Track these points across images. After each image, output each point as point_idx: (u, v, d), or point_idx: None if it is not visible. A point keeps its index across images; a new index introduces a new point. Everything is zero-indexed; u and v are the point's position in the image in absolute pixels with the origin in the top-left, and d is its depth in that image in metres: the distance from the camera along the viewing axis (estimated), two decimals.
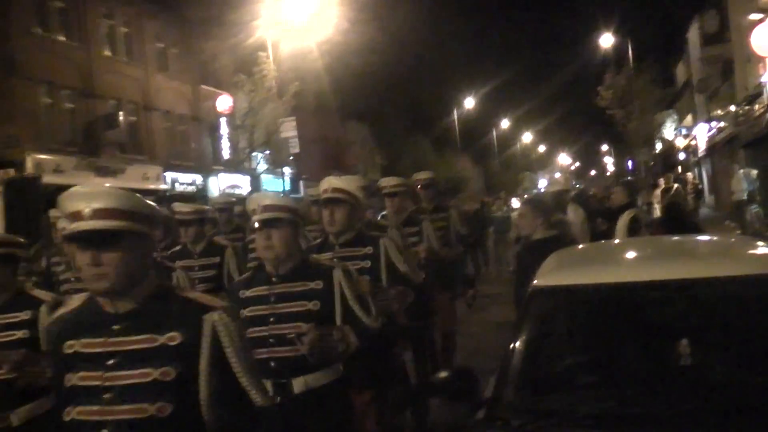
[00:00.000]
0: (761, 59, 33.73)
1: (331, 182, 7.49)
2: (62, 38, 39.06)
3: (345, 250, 7.36)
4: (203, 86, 50.27)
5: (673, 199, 14.85)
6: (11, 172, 34.43)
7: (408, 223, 10.96)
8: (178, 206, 10.81)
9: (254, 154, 47.35)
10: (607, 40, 68.06)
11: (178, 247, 10.60)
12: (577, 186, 66.74)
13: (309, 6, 44.86)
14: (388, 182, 11.31)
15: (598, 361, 5.51)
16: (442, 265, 11.58)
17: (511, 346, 5.34)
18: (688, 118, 68.51)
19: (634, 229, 12.96)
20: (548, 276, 5.82)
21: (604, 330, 5.68)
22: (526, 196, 34.92)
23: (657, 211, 25.41)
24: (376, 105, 77.46)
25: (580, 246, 8.66)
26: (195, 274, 9.91)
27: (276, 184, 52.92)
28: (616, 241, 11.66)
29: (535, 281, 5.73)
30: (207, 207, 12.62)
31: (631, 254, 7.02)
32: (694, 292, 5.37)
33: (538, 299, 5.56)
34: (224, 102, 47.76)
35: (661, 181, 36.32)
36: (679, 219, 11.50)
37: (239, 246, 11.11)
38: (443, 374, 5.36)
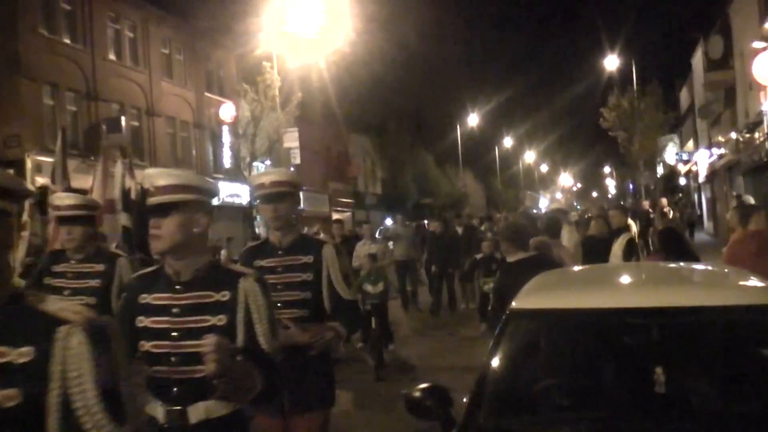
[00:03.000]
0: (762, 87, 33.75)
1: (271, 175, 7.05)
2: (68, 40, 39.21)
3: (289, 258, 6.83)
4: (207, 94, 50.39)
5: (669, 224, 14.82)
6: (11, 172, 34.38)
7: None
8: (58, 198, 8.79)
9: (255, 163, 47.33)
10: (612, 62, 68.08)
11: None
12: (578, 207, 66.67)
13: (317, 19, 44.92)
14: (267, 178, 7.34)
15: (572, 386, 5.54)
16: None
17: (486, 366, 5.37)
18: (690, 143, 68.63)
19: (630, 253, 13.02)
20: (526, 299, 5.84)
21: (579, 355, 5.72)
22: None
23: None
24: (380, 118, 77.55)
25: (565, 269, 8.66)
26: (69, 283, 8.26)
27: None
28: (604, 265, 11.70)
29: (513, 304, 5.75)
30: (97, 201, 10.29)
31: (612, 279, 6.96)
32: (672, 320, 5.36)
33: (515, 321, 5.58)
34: (227, 110, 47.86)
35: (646, 204, 36.41)
36: (676, 245, 11.51)
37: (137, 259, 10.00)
38: (416, 390, 5.34)
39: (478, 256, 20.44)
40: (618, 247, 13.21)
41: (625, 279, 6.95)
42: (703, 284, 6.46)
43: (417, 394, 5.28)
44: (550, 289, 6.26)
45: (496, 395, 5.25)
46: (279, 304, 5.93)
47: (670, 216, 26.57)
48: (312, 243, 7.05)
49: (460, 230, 27.92)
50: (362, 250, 20.30)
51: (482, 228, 30.20)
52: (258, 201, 7.08)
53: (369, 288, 16.95)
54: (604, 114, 63.93)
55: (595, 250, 13.95)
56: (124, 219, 14.53)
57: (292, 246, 6.88)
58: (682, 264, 8.71)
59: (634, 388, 5.30)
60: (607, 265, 11.61)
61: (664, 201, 34.37)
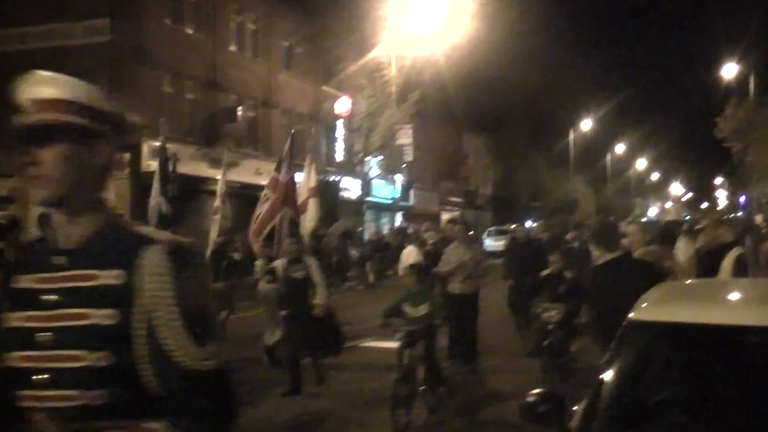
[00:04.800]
0: None
1: (41, 87, 3.31)
2: (191, 30, 39.85)
3: (74, 274, 3.09)
4: (325, 87, 50.71)
5: None
6: (126, 156, 35.21)
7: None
8: None
9: (368, 158, 47.51)
10: (730, 70, 66.75)
11: None
12: (687, 217, 65.56)
13: (437, 16, 45.04)
14: None
15: (691, 401, 5.47)
16: None
17: (603, 377, 5.32)
18: None
19: (740, 269, 12.74)
20: (647, 310, 5.76)
21: (700, 371, 5.62)
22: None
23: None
24: (495, 119, 77.27)
25: (685, 282, 8.51)
26: None
27: (387, 190, 53.14)
28: (722, 280, 11.49)
29: (632, 314, 5.67)
30: None
31: (736, 295, 6.84)
32: None
33: (635, 333, 5.50)
34: (343, 104, 48.08)
35: (758, 218, 35.60)
36: None
37: None
38: (530, 395, 5.30)
39: (544, 273, 15.82)
40: (728, 263, 12.92)
41: (750, 295, 6.81)
42: None
43: (531, 399, 5.23)
44: (671, 302, 6.15)
45: (612, 407, 5.19)
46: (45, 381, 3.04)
47: None
48: (129, 240, 3.10)
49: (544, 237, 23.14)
50: (452, 255, 16.33)
51: (567, 237, 25.62)
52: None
53: (408, 310, 12.81)
54: (719, 124, 62.83)
55: (708, 264, 13.73)
56: None
57: (87, 248, 3.11)
58: None
59: (754, 408, 5.22)
60: (729, 280, 11.31)
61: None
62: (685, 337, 5.54)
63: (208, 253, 17.20)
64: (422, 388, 12.30)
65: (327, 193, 34.66)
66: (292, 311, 14.70)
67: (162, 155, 19.54)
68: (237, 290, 18.78)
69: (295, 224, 17.48)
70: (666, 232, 14.54)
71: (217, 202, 18.36)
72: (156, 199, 17.72)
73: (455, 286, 16.27)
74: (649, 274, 8.17)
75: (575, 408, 5.33)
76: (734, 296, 6.81)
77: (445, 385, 13.25)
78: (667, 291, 6.73)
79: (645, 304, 5.90)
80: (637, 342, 5.53)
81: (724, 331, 5.32)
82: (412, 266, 14.19)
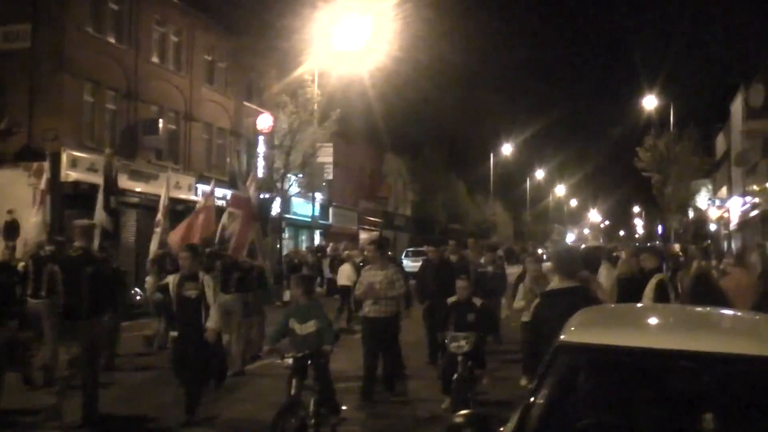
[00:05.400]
0: None
1: None
2: (113, 40, 39.39)
3: None
4: (246, 103, 50.50)
5: (703, 270, 14.63)
6: (45, 165, 34.73)
7: None
8: None
9: (288, 175, 47.36)
10: (650, 102, 67.79)
11: None
12: (606, 245, 66.42)
13: (361, 35, 45.14)
14: None
15: (617, 424, 5.45)
16: None
17: (532, 399, 5.28)
18: (723, 190, 68.23)
19: (662, 294, 12.93)
20: (576, 332, 5.74)
21: (627, 393, 5.63)
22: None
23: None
24: (416, 141, 77.65)
25: (610, 305, 8.48)
26: None
27: (306, 208, 53.00)
28: (646, 305, 11.61)
29: (561, 336, 5.64)
30: None
31: (661, 320, 6.84)
32: (719, 367, 5.28)
33: (563, 355, 5.48)
34: (264, 120, 47.84)
35: (675, 247, 35.97)
36: (708, 290, 11.40)
37: None
38: (458, 417, 5.19)
39: (451, 300, 14.47)
40: (650, 288, 13.10)
41: (674, 320, 6.84)
42: (749, 332, 6.33)
43: (458, 420, 5.14)
44: (599, 325, 6.16)
45: (541, 429, 5.16)
46: None
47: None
48: None
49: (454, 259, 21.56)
50: (365, 277, 15.65)
51: (481, 260, 23.28)
52: None
53: (295, 326, 11.95)
54: (639, 154, 63.77)
55: (628, 290, 13.90)
56: None
57: None
58: (725, 311, 8.53)
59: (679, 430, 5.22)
60: (653, 305, 11.48)
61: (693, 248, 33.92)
62: (612, 360, 5.53)
63: (148, 264, 17.47)
64: (312, 421, 11.24)
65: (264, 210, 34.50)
66: (182, 332, 13.19)
67: (108, 167, 20.03)
68: None
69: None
70: (589, 259, 14.59)
71: (159, 216, 18.76)
72: (100, 214, 18.22)
73: (368, 310, 15.39)
74: (587, 301, 8.13)
75: (501, 430, 5.27)
76: (659, 321, 6.84)
77: (339, 413, 12.28)
78: (594, 314, 6.75)
79: (573, 327, 5.88)
80: (565, 364, 5.50)
81: (649, 354, 5.32)
82: (298, 277, 12.87)
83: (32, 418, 13.25)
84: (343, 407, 12.75)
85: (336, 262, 43.12)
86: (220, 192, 45.35)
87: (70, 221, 33.21)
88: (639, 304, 11.29)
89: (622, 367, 5.57)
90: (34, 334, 16.30)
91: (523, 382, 14.96)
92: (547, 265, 16.20)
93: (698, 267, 15.49)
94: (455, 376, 13.06)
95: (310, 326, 11.80)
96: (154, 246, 18.08)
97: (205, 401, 13.72)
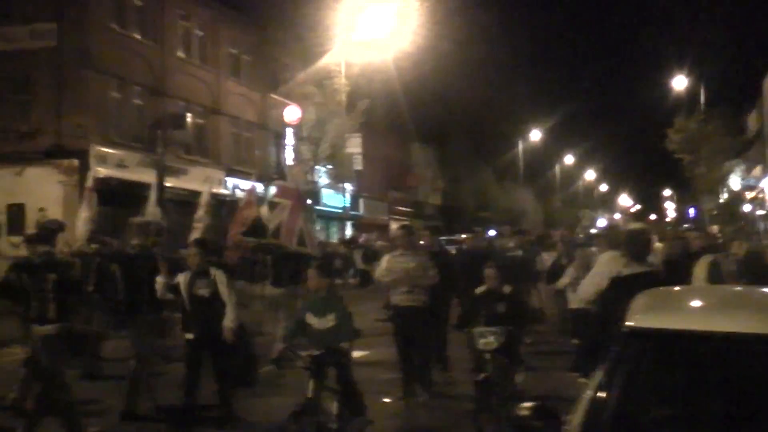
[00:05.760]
0: None
1: None
2: (138, 36, 39.32)
3: None
4: (272, 95, 50.29)
5: (755, 248, 14.09)
6: (75, 162, 34.72)
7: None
8: None
9: (317, 167, 47.18)
10: (679, 83, 67.04)
11: None
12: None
13: (385, 24, 44.90)
14: None
15: (689, 413, 5.13)
16: None
17: (600, 388, 4.97)
18: (757, 170, 67.40)
19: (716, 276, 12.39)
20: (644, 317, 5.36)
21: (701, 381, 5.28)
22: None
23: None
24: (443, 129, 77.20)
25: (674, 288, 7.91)
26: None
27: (336, 199, 52.80)
28: (708, 286, 11.17)
29: (629, 321, 5.29)
30: None
31: (737, 302, 6.45)
32: None
33: (632, 341, 5.12)
34: (292, 112, 47.68)
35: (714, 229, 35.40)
36: (760, 269, 11.02)
37: None
38: (523, 409, 4.90)
39: (479, 290, 12.78)
40: (701, 269, 12.60)
41: (753, 303, 6.44)
42: None
43: (524, 413, 4.84)
44: (672, 308, 5.79)
45: (611, 420, 4.84)
46: None
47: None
48: None
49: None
50: (396, 263, 14.37)
51: (509, 245, 22.43)
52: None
53: (312, 321, 10.88)
54: (670, 135, 63.09)
55: (674, 273, 13.41)
56: None
57: None
58: None
59: (754, 419, 4.89)
60: (724, 287, 10.71)
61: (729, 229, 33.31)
62: (684, 345, 5.17)
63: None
64: (335, 425, 10.28)
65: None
66: (196, 334, 12.31)
67: (161, 164, 20.27)
68: None
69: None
70: (644, 242, 14.20)
71: (201, 212, 18.76)
72: (152, 209, 18.41)
73: (400, 299, 14.23)
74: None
75: (566, 425, 4.98)
76: (736, 303, 6.44)
77: (365, 415, 10.95)
78: (659, 298, 6.33)
79: (641, 311, 5.53)
80: (633, 351, 5.13)
81: (730, 339, 4.97)
82: (318, 267, 11.58)
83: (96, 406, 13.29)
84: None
85: (369, 253, 43.07)
86: (250, 185, 45.36)
87: (100, 218, 33.38)
88: (703, 286, 10.88)
89: (697, 353, 5.22)
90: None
91: (582, 379, 14.45)
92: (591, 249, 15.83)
93: (749, 246, 14.80)
94: (481, 376, 11.50)
95: (329, 320, 10.77)
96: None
97: (243, 394, 13.07)
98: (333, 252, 41.25)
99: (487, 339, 11.47)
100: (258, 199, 24.06)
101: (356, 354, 17.61)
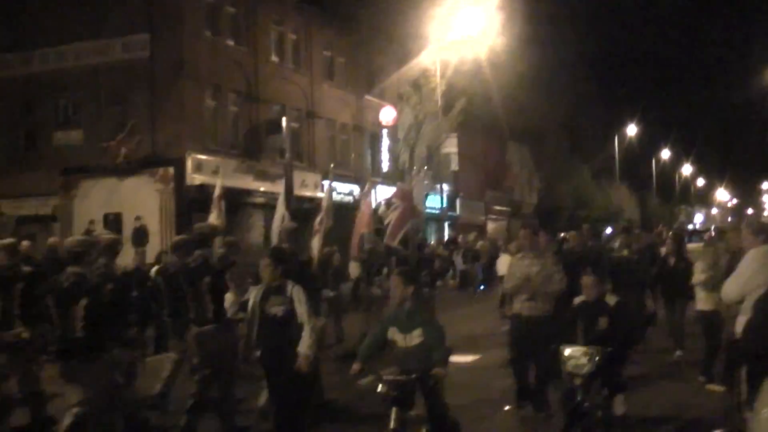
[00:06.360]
0: None
1: None
2: (231, 43, 39.39)
3: None
4: (367, 97, 50.03)
5: None
6: (170, 170, 34.84)
7: None
8: None
9: (414, 168, 46.83)
10: None
11: None
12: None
13: (479, 21, 44.47)
14: None
15: None
16: None
17: None
18: None
19: None
20: None
21: None
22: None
23: None
24: (538, 127, 76.55)
25: None
26: None
27: (434, 200, 52.39)
28: None
29: None
30: None
31: None
32: None
33: None
34: (388, 113, 47.44)
35: None
36: None
37: None
38: None
39: (577, 300, 11.04)
40: None
41: None
42: None
43: None
44: None
45: None
46: None
47: None
48: None
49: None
50: (518, 267, 12.78)
51: (615, 245, 20.89)
52: None
53: (396, 337, 9.40)
54: None
55: None
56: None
57: None
58: None
59: None
60: None
61: None
62: None
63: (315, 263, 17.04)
64: None
65: None
66: (267, 361, 10.47)
67: (288, 170, 20.98)
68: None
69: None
70: None
71: (322, 215, 19.02)
72: (280, 215, 18.69)
73: (521, 306, 12.53)
74: None
75: None
76: None
77: None
78: None
79: None
80: None
81: None
82: (401, 273, 10.00)
83: None
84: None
85: (469, 254, 42.67)
86: (347, 188, 45.11)
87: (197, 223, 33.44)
88: None
89: None
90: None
91: (712, 386, 13.68)
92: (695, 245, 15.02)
93: None
94: (570, 406, 9.83)
95: (416, 336, 9.24)
96: (318, 244, 17.64)
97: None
98: (431, 253, 40.88)
99: (579, 360, 9.65)
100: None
101: (468, 359, 17.16)
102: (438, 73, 45.79)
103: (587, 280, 10.74)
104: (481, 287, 40.49)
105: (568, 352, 9.72)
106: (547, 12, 52.52)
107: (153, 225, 33.56)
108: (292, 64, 44.18)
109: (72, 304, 9.92)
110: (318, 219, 19.74)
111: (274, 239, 17.44)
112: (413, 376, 8.80)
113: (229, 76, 38.96)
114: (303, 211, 29.88)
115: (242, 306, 11.59)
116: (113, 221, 34.49)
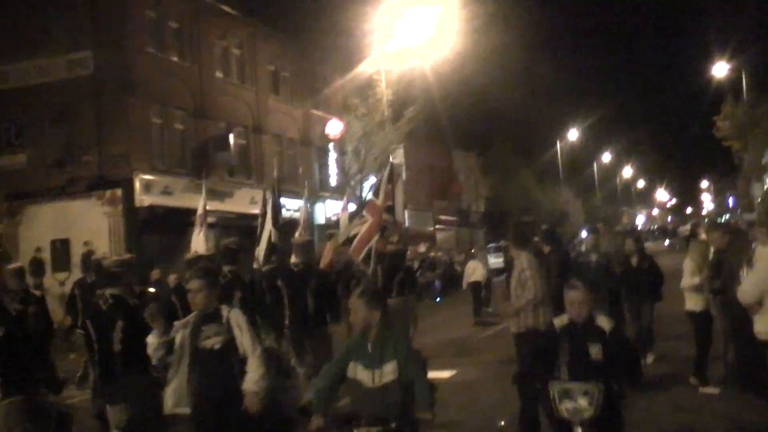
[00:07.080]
0: None
1: None
2: (175, 59, 38.70)
3: None
4: (314, 110, 49.57)
5: None
6: (118, 192, 34.10)
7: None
8: None
9: (364, 180, 46.47)
10: (720, 69, 65.74)
11: None
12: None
13: (422, 30, 44.37)
14: None
15: None
16: None
17: None
18: None
19: None
20: None
21: None
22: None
23: None
24: (482, 134, 76.65)
25: None
26: None
27: None
28: None
29: None
30: None
31: None
32: None
33: None
34: (335, 126, 46.99)
35: None
36: None
37: None
38: None
39: (559, 322, 8.40)
40: None
41: None
42: None
43: None
44: None
45: None
46: None
47: None
48: None
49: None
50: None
51: (582, 248, 20.54)
52: None
53: (361, 375, 7.39)
54: (717, 123, 61.97)
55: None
56: None
57: None
58: None
59: None
60: None
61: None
62: None
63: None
64: None
65: None
66: (199, 405, 8.43)
67: (277, 186, 21.33)
68: None
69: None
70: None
71: (300, 229, 19.62)
72: (268, 229, 19.37)
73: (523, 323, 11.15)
74: None
75: None
76: None
77: None
78: None
79: None
80: None
81: None
82: (364, 293, 7.70)
83: None
84: None
85: (425, 264, 42.47)
86: (295, 204, 44.58)
87: (149, 246, 32.89)
88: None
89: None
90: None
91: (706, 389, 13.48)
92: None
93: None
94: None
95: (388, 373, 7.24)
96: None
97: None
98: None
99: (575, 403, 7.53)
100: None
101: (444, 375, 16.64)
102: (383, 82, 45.53)
103: (574, 295, 8.07)
104: (438, 299, 40.33)
105: (559, 389, 7.63)
106: (489, 21, 52.25)
107: (103, 249, 32.83)
108: (237, 79, 43.58)
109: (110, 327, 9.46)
110: (297, 233, 19.93)
111: (260, 259, 18.51)
112: (392, 426, 6.95)
113: (174, 93, 38.29)
114: (252, 229, 29.44)
115: (164, 346, 9.01)
116: (61, 247, 33.75)
